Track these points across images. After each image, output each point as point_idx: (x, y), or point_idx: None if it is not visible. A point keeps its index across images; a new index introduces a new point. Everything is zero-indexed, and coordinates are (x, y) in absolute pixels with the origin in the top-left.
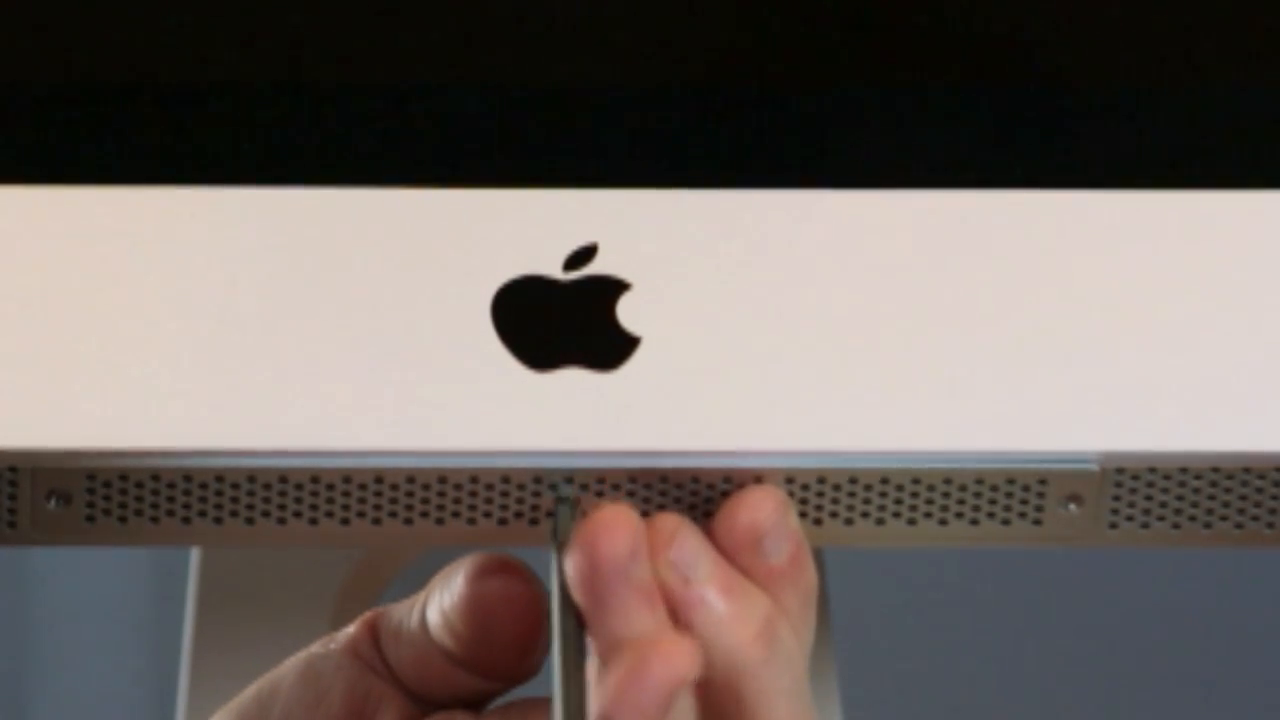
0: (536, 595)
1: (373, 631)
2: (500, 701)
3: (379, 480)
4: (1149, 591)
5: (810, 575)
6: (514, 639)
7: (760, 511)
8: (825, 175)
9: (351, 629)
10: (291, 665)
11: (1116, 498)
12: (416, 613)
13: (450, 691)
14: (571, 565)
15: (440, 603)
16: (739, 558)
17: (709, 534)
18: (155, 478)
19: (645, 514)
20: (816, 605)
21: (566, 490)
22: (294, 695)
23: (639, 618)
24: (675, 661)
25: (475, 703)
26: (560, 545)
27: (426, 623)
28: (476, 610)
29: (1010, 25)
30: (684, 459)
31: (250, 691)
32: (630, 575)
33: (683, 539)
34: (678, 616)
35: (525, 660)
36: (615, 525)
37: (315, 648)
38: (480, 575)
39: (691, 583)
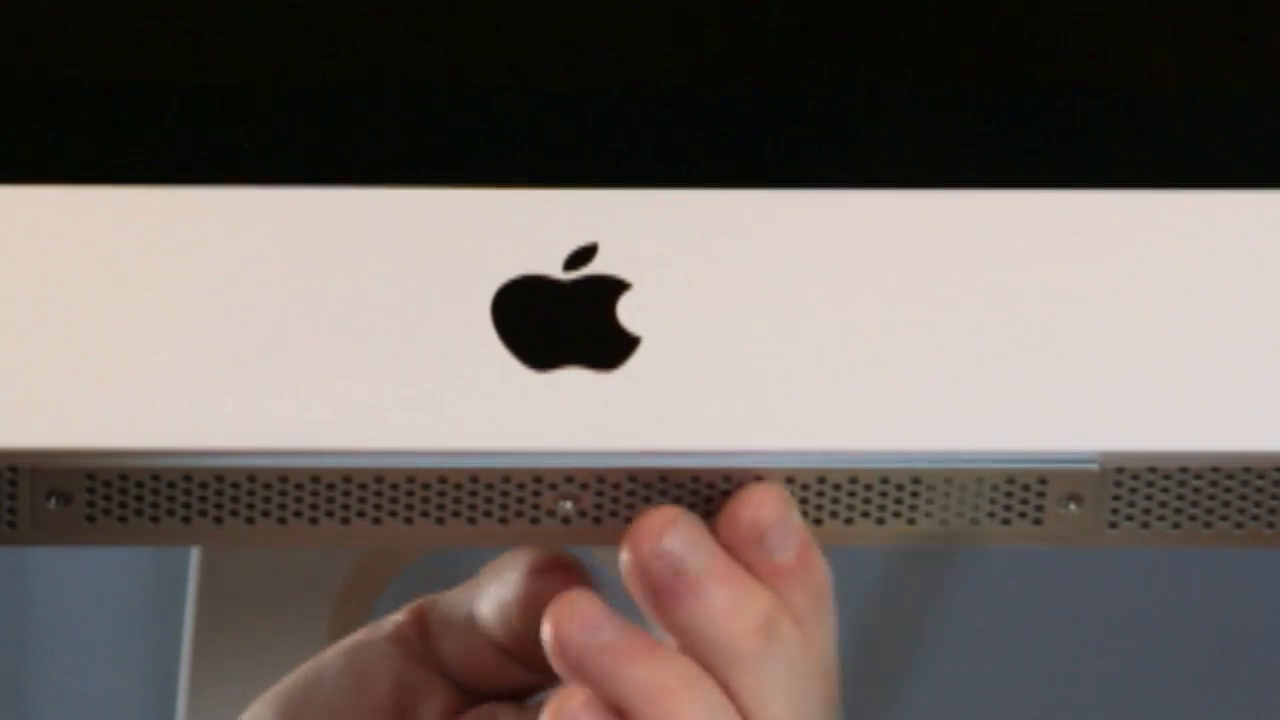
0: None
1: (421, 621)
2: (545, 694)
3: (379, 480)
4: (1149, 591)
5: (820, 573)
6: None
7: (763, 508)
8: (826, 175)
9: (399, 616)
10: (336, 652)
11: (1117, 497)
12: (468, 605)
13: (498, 683)
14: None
15: (495, 597)
16: (743, 555)
17: (712, 533)
18: (155, 477)
19: None
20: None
21: None
22: (338, 683)
23: (632, 671)
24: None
25: (521, 694)
26: None
27: (478, 616)
28: (533, 607)
29: (1011, 25)
30: (684, 459)
31: (293, 678)
32: (598, 645)
33: (677, 529)
34: (669, 611)
35: None
36: (575, 609)
37: (361, 635)
38: (538, 572)
39: (681, 573)
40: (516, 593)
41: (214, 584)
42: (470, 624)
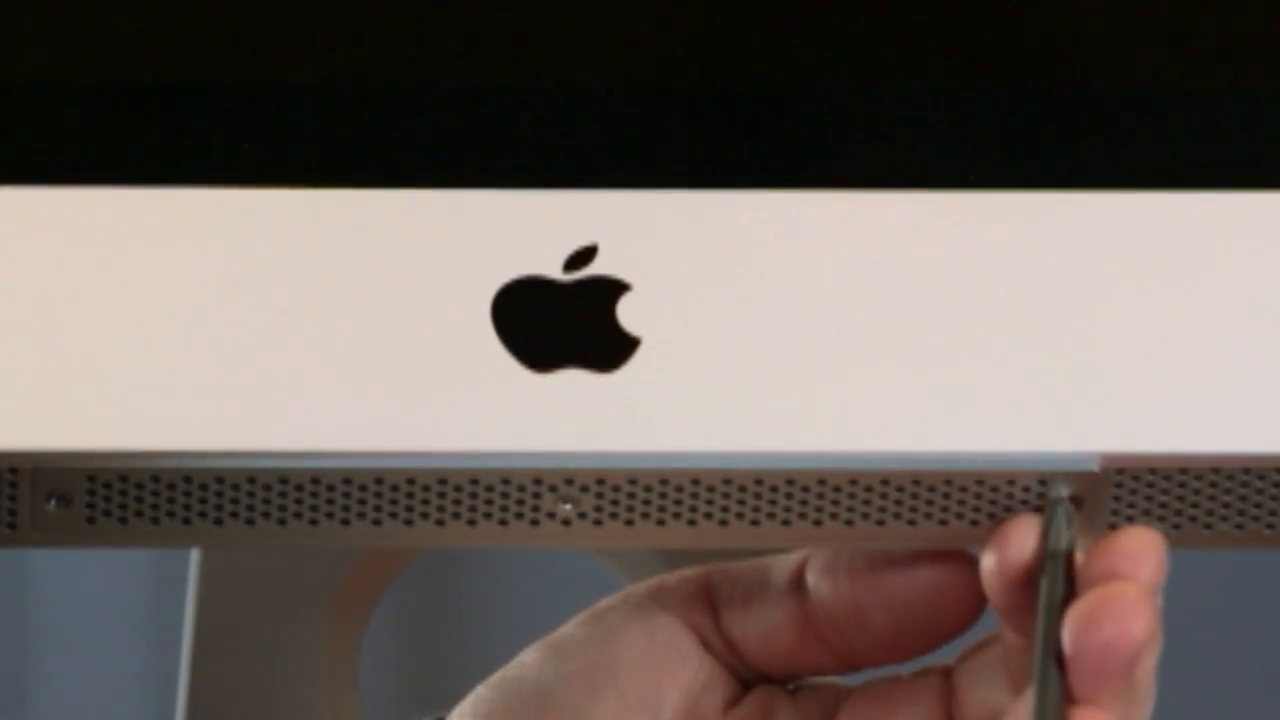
0: (977, 590)
1: (708, 600)
2: (811, 680)
3: (379, 481)
4: None
5: None
6: (937, 636)
7: (1144, 567)
8: (826, 176)
9: (682, 593)
10: (624, 616)
11: (1117, 499)
12: (768, 583)
13: (782, 668)
14: (1074, 631)
15: (824, 571)
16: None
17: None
18: (155, 479)
19: (646, 517)
20: None
21: (1061, 491)
22: (635, 660)
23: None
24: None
25: (796, 677)
26: (1054, 555)
27: (789, 590)
28: (904, 601)
29: (1012, 24)
30: (684, 460)
31: (584, 617)
32: (1135, 665)
33: (1147, 641)
34: (1115, 691)
35: (907, 654)
36: (1136, 607)
37: (648, 609)
38: (917, 562)
39: (1133, 663)
40: (887, 583)
41: (214, 584)
42: (774, 600)
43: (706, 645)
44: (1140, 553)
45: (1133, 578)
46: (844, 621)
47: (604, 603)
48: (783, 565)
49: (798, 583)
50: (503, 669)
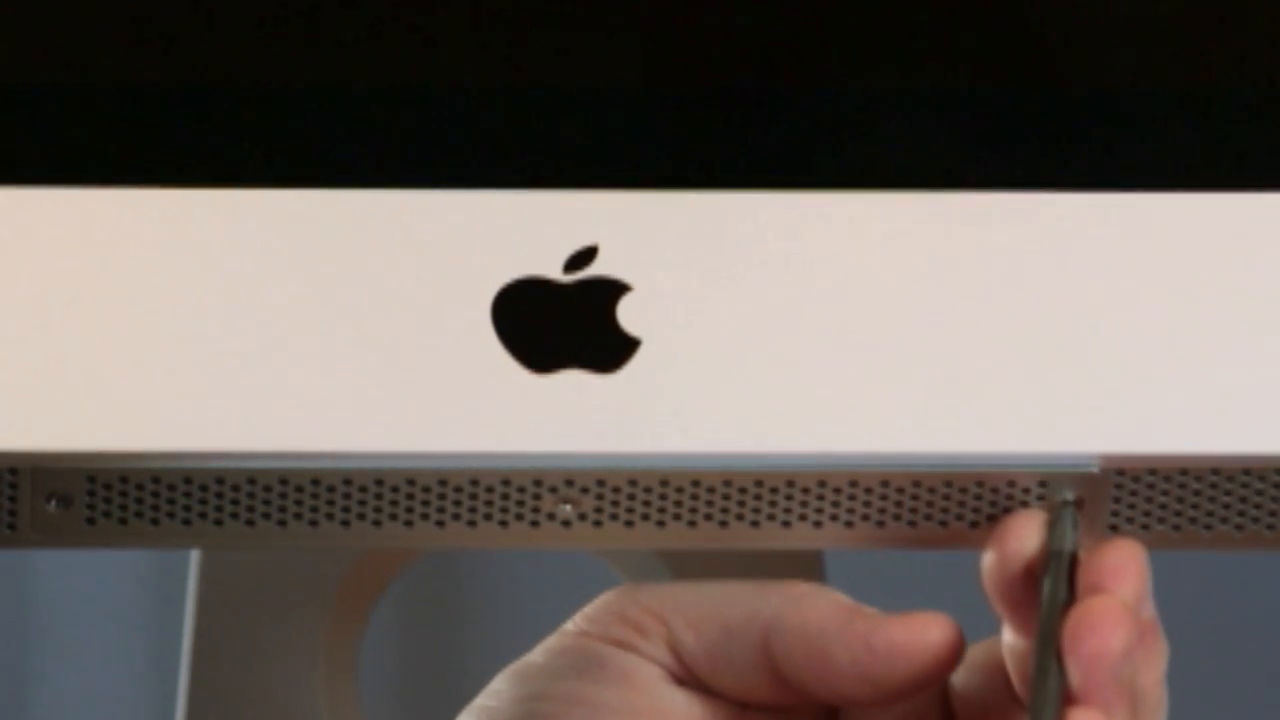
0: (954, 650)
1: (674, 647)
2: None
3: (379, 482)
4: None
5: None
6: (918, 692)
7: (1128, 577)
8: (825, 176)
9: (648, 638)
10: (595, 657)
11: (1117, 500)
12: (747, 653)
13: (757, 701)
14: (1065, 647)
15: (793, 627)
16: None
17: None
18: (156, 480)
19: (646, 518)
20: None
21: (1065, 492)
22: (614, 695)
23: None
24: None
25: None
26: (1057, 555)
27: (755, 644)
28: (888, 659)
29: (1011, 24)
30: (684, 461)
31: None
32: (1118, 676)
33: (1127, 642)
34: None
35: (889, 705)
36: (1115, 620)
37: (612, 645)
38: (909, 627)
39: (1122, 680)
40: (872, 644)
41: (214, 584)
42: (744, 663)
43: (682, 682)
44: (1120, 567)
45: (1115, 592)
46: (825, 696)
47: (570, 630)
48: (744, 624)
49: (767, 653)
50: (478, 698)
